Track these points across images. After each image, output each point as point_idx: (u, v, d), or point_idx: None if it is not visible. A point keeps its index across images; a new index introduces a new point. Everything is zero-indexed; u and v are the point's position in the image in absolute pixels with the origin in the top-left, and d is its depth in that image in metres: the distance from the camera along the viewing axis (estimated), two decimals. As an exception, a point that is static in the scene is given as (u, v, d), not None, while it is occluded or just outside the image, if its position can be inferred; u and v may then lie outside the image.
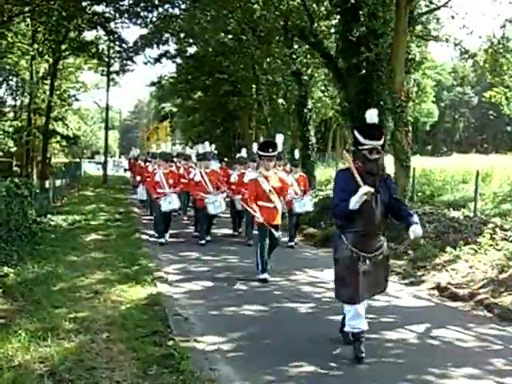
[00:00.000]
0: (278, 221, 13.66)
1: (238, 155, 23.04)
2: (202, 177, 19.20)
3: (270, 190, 13.45)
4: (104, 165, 55.05)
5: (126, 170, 51.23)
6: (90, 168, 71.97)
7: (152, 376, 7.08)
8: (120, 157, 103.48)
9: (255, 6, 32.54)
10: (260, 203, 13.42)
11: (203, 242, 18.79)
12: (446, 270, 13.83)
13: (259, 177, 13.65)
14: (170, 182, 19.11)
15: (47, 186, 27.89)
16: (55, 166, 48.36)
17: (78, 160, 60.30)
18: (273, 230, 13.19)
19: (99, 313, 9.70)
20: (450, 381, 7.48)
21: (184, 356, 7.65)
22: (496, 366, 8.06)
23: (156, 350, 7.93)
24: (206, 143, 22.86)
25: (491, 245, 14.70)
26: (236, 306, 10.99)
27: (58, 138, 48.72)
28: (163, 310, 10.12)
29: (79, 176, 49.50)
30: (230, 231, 21.70)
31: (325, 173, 37.72)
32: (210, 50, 45.43)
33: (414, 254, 15.73)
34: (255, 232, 13.90)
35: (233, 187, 20.55)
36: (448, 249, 15.09)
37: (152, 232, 20.48)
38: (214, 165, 21.58)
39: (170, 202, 18.54)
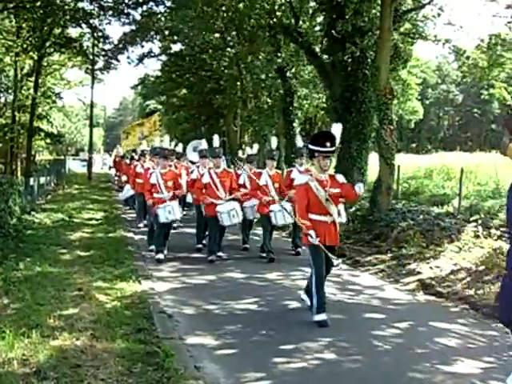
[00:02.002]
0: (337, 240, 10.44)
1: (246, 153, 19.90)
2: (212, 178, 16.00)
3: (327, 199, 10.15)
4: (89, 162, 54.85)
5: (110, 168, 50.88)
6: (75, 165, 71.62)
7: (137, 373, 7.08)
8: (106, 154, 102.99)
9: (240, 4, 32.50)
10: (312, 217, 10.11)
11: (213, 257, 15.49)
12: (431, 268, 13.88)
13: (311, 181, 10.22)
14: (169, 184, 15.74)
15: (31, 183, 27.81)
16: (39, 164, 48.20)
17: (62, 157, 60.01)
18: (331, 256, 9.97)
19: (84, 310, 9.68)
20: (435, 378, 7.52)
21: (169, 353, 7.66)
22: (480, 364, 8.10)
23: (141, 348, 7.93)
24: (203, 141, 19.12)
25: (475, 242, 14.78)
26: (221, 304, 11.00)
27: (43, 135, 48.45)
28: (148, 308, 10.13)
29: (64, 173, 49.30)
30: (235, 236, 18.82)
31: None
32: (195, 47, 45.31)
33: (398, 251, 15.77)
34: (311, 259, 10.11)
35: (242, 191, 16.97)
36: (432, 246, 15.16)
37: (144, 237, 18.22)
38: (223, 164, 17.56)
39: (170, 212, 15.37)
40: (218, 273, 14.00)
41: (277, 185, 16.36)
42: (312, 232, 9.88)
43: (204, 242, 17.30)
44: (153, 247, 16.30)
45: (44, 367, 7.06)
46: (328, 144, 10.05)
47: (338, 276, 13.39)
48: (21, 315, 9.11)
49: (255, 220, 18.24)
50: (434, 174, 28.63)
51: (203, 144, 18.55)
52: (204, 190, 16.08)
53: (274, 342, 8.77)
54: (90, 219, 22.79)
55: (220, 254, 16.16)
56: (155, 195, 15.77)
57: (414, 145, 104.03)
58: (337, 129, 10.65)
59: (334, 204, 10.31)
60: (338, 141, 10.55)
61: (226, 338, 8.96)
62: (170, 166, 17.78)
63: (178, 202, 16.63)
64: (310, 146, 10.33)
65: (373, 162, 23.76)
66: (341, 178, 10.69)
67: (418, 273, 13.78)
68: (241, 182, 17.66)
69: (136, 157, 27.08)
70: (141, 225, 21.60)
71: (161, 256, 15.43)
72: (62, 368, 7.07)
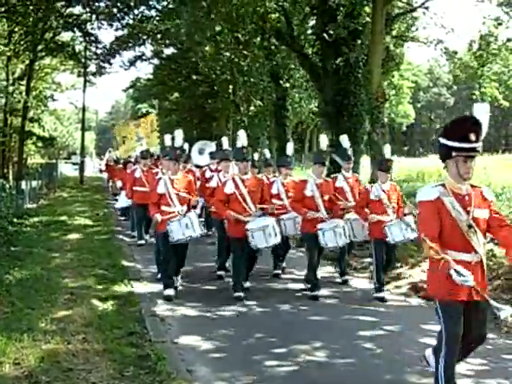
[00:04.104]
0: (485, 290, 6.60)
1: (263, 156, 16.95)
2: (238, 187, 11.94)
3: (470, 226, 6.40)
4: (81, 165, 54.75)
5: (101, 171, 50.66)
6: (67, 169, 71.50)
7: (128, 377, 7.08)
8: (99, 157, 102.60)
9: (233, 7, 32.55)
10: (451, 253, 6.26)
11: (240, 294, 11.65)
12: (423, 271, 13.85)
13: (444, 195, 6.44)
14: (182, 194, 11.92)
15: (23, 186, 27.76)
16: (31, 167, 48.12)
17: (54, 161, 59.92)
18: (496, 306, 6.11)
19: (76, 314, 9.67)
20: (427, 381, 7.52)
21: (160, 357, 7.66)
22: (473, 367, 8.10)
23: (132, 351, 7.93)
24: (211, 143, 17.79)
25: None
26: (213, 307, 10.98)
27: (34, 139, 48.43)
28: (139, 311, 10.13)
29: (55, 177, 49.24)
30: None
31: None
32: (188, 52, 45.36)
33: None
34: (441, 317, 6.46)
35: (275, 202, 13.44)
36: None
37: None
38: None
39: (188, 226, 11.49)
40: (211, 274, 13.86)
41: (326, 197, 12.40)
42: (460, 268, 5.95)
43: (248, 284, 12.51)
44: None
45: (36, 371, 7.05)
46: (472, 137, 6.27)
47: (330, 278, 13.43)
48: (12, 319, 9.10)
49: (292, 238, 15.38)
50: (426, 177, 28.67)
51: (211, 145, 17.48)
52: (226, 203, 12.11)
53: (265, 345, 8.78)
54: (82, 223, 22.71)
55: (247, 284, 12.48)
56: (164, 209, 11.81)
57: (405, 148, 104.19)
58: (482, 110, 6.91)
59: (481, 233, 6.55)
60: (484, 130, 6.50)
61: (217, 341, 8.96)
62: (187, 170, 16.45)
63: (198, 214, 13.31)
64: (443, 141, 6.50)
65: (364, 166, 23.80)
66: (489, 193, 6.79)
67: (410, 276, 13.78)
68: (274, 191, 14.08)
69: (132, 160, 23.87)
70: (142, 241, 18.17)
71: (170, 292, 11.60)
72: (54, 372, 7.06)
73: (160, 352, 7.88)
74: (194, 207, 12.84)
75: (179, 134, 12.46)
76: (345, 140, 13.56)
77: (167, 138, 13.00)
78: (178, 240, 11.45)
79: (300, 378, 7.60)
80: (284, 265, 14.53)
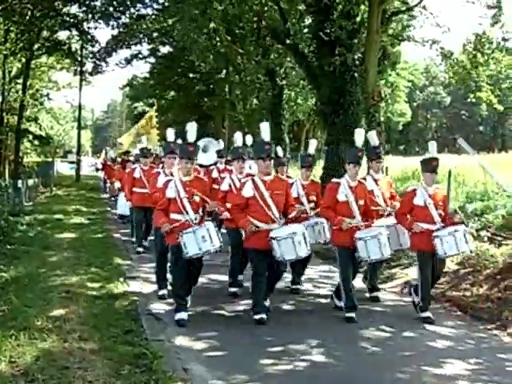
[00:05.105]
0: None
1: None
2: (259, 190, 10.06)
3: None
4: (77, 164, 54.71)
5: (98, 170, 50.49)
6: (63, 167, 71.36)
7: (125, 376, 7.08)
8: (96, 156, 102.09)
9: (229, 6, 32.54)
10: None
11: (263, 316, 9.94)
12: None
13: None
14: (196, 198, 9.94)
15: (20, 185, 27.73)
16: (28, 166, 48.15)
17: (50, 159, 59.89)
18: None
19: (72, 312, 9.66)
20: (423, 380, 7.55)
21: (157, 355, 7.67)
22: (468, 365, 8.13)
23: (129, 350, 7.92)
24: (215, 141, 16.59)
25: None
26: (209, 305, 10.98)
27: (31, 137, 48.45)
28: (136, 310, 10.12)
29: (52, 175, 49.19)
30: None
31: (297, 174, 37.72)
32: (184, 50, 45.36)
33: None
34: None
35: (297, 207, 10.88)
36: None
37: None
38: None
39: (205, 239, 9.52)
40: (208, 274, 13.53)
41: (362, 201, 10.57)
42: None
43: (268, 302, 10.61)
44: (163, 292, 11.57)
45: (32, 369, 7.05)
46: None
47: (326, 278, 13.41)
48: (8, 317, 9.08)
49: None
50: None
51: (216, 143, 16.18)
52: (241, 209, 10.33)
53: (261, 344, 8.78)
54: (78, 221, 22.69)
55: (267, 302, 10.57)
56: (174, 217, 9.97)
57: (401, 147, 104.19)
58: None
59: None
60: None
61: (214, 339, 8.96)
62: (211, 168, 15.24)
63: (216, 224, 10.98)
64: None
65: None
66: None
67: (406, 274, 13.79)
68: (294, 194, 11.90)
69: (132, 158, 22.57)
70: (140, 249, 16.67)
71: (183, 316, 9.84)
72: (50, 370, 7.06)
73: (156, 350, 7.88)
74: (210, 214, 11.76)
75: (192, 126, 10.65)
76: (373, 137, 11.80)
77: (170, 132, 11.83)
78: (193, 255, 9.55)
79: (296, 377, 7.61)
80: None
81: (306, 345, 8.79)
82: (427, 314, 10.40)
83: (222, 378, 7.42)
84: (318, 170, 22.48)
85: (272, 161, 10.42)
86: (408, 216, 10.64)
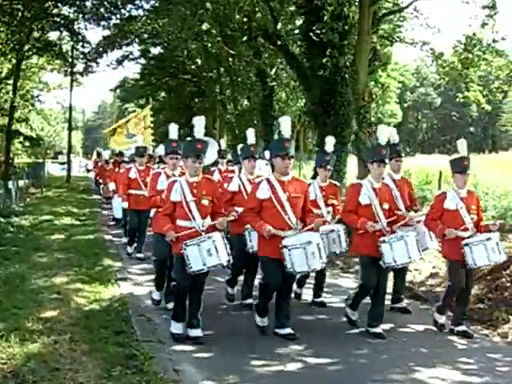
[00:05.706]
0: None
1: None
2: (275, 192, 9.05)
3: None
4: (68, 165, 54.65)
5: (88, 171, 50.41)
6: (54, 168, 71.18)
7: (116, 377, 7.06)
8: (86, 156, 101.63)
9: (221, 7, 32.55)
10: None
11: (264, 321, 9.56)
12: (410, 271, 13.87)
13: None
14: (204, 203, 8.94)
15: (10, 186, 27.63)
16: (18, 167, 48.01)
17: (41, 160, 59.78)
18: None
19: (63, 313, 9.64)
20: (414, 381, 7.55)
21: (147, 357, 7.66)
22: (460, 366, 8.15)
23: (120, 351, 7.90)
24: (221, 141, 14.97)
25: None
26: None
27: (21, 138, 48.31)
28: (127, 311, 10.09)
29: (43, 176, 49.07)
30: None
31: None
32: (174, 50, 45.36)
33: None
34: None
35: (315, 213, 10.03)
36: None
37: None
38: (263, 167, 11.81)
39: (211, 253, 8.51)
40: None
41: (386, 205, 9.66)
42: None
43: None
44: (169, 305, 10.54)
45: (22, 370, 7.03)
46: None
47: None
48: (-1, 319, 9.07)
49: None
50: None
51: (214, 143, 15.56)
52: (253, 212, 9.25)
53: (252, 346, 8.77)
54: (69, 222, 22.65)
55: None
56: (180, 223, 8.96)
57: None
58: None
59: None
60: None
61: (205, 341, 8.93)
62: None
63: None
64: None
65: (351, 165, 23.84)
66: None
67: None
68: (311, 196, 10.54)
69: (126, 159, 21.49)
70: (130, 249, 16.51)
71: (199, 333, 9.03)
72: (41, 371, 7.03)
73: (147, 352, 7.88)
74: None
75: (199, 121, 9.64)
76: (394, 133, 11.14)
77: (173, 128, 10.83)
78: (197, 271, 8.63)
79: (286, 378, 7.62)
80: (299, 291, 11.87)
81: (296, 346, 8.79)
82: (463, 328, 9.68)
83: (213, 378, 7.41)
84: (307, 171, 22.48)
85: (292, 160, 9.27)
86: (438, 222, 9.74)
